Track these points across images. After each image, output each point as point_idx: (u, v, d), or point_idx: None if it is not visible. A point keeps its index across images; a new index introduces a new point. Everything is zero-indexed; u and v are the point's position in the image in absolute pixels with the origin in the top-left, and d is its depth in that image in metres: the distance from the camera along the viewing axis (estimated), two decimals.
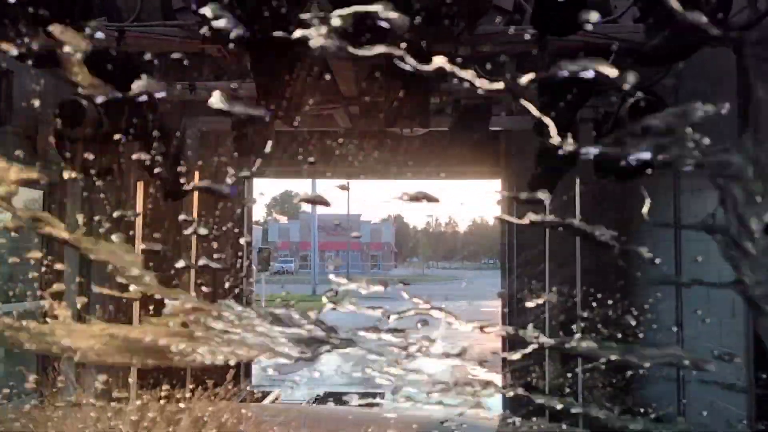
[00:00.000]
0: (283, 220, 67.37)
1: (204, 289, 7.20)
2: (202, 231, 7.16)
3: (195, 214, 6.21)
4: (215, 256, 7.34)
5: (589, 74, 4.54)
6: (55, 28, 1.77)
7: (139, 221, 4.99)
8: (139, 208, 5.00)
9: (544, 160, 5.26)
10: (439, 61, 1.88)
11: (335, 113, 5.59)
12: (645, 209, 4.17)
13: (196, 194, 6.19)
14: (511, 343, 7.53)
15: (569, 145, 4.91)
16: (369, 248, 61.53)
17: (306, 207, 58.26)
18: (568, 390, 6.11)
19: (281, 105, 4.64)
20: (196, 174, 6.18)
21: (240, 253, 7.67)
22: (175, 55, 4.60)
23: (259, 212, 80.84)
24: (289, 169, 7.56)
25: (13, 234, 4.45)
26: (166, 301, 1.98)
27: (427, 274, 54.77)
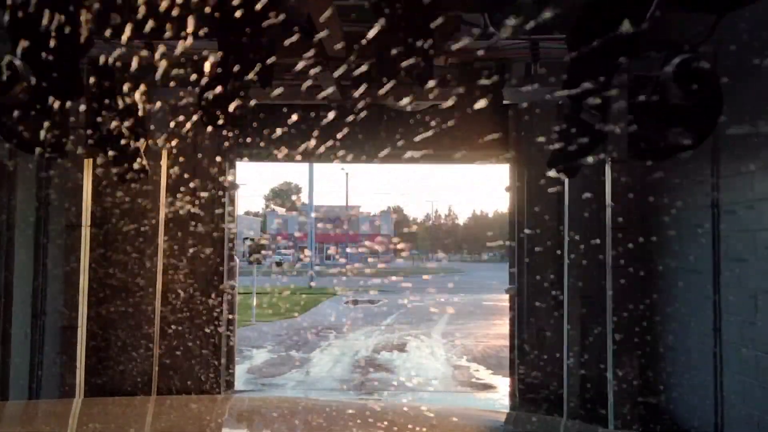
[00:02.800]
0: (282, 211, 66.88)
1: (180, 281, 6.47)
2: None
3: (162, 200, 5.44)
4: (192, 248, 6.60)
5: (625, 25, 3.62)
6: None
7: (86, 205, 4.23)
8: (87, 190, 4.24)
9: (566, 136, 4.48)
10: None
11: (322, 82, 4.81)
12: None
13: (164, 175, 5.43)
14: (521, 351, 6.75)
15: (596, 119, 4.10)
16: (368, 240, 60.89)
17: (305, 198, 57.66)
18: None
19: (253, 67, 3.86)
20: (164, 153, 5.41)
21: (222, 245, 6.90)
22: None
23: (258, 204, 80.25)
24: (272, 150, 6.76)
25: None
26: None
27: (426, 266, 54.12)
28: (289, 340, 12.21)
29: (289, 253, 55.68)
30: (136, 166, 4.35)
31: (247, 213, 69.99)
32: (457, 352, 11.08)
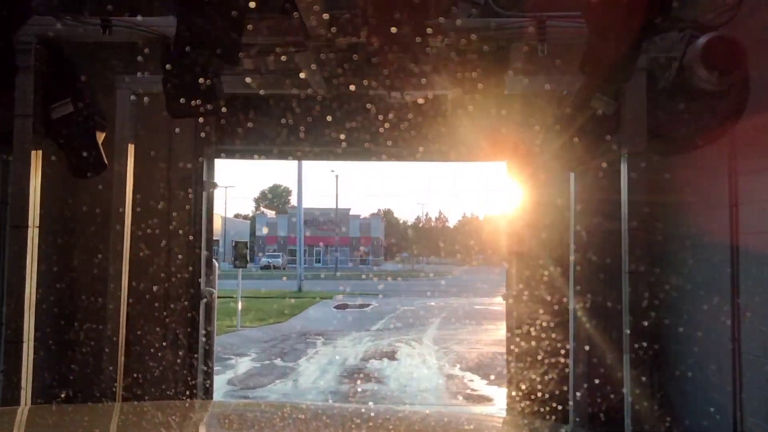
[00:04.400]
0: (271, 214, 66.45)
1: (151, 288, 5.95)
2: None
3: (128, 199, 4.93)
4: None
5: None
6: None
7: (33, 204, 3.73)
8: (35, 187, 3.74)
9: (570, 124, 4.03)
10: None
11: (305, 69, 4.33)
12: None
13: (130, 172, 4.91)
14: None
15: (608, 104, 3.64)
16: (358, 243, 60.51)
17: (294, 200, 57.15)
18: None
19: (222, 45, 3.39)
20: (130, 148, 4.90)
21: (199, 248, 6.39)
22: None
23: (248, 206, 79.75)
24: (253, 147, 6.27)
25: None
26: None
27: (417, 269, 53.70)
28: (275, 347, 11.70)
29: (278, 256, 55.14)
30: (92, 159, 3.86)
31: (237, 216, 69.52)
32: (449, 360, 10.61)
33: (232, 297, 15.81)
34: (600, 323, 4.94)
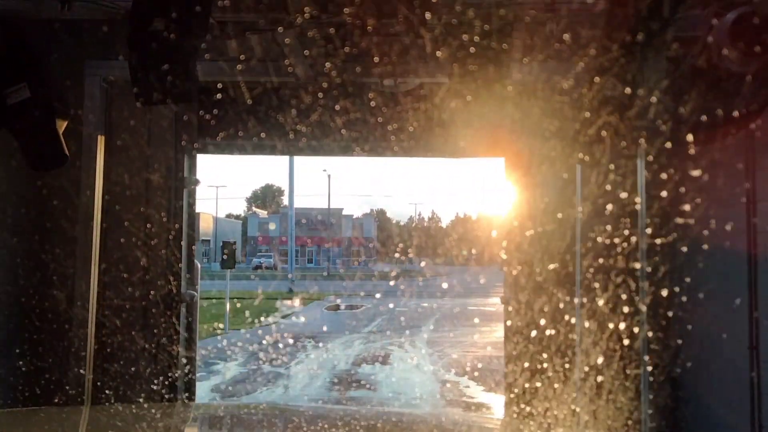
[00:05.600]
0: (263, 214, 66.02)
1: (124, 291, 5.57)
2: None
3: (98, 195, 4.55)
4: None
5: None
6: None
7: None
8: None
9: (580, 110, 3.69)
10: None
11: (288, 52, 3.96)
12: None
13: (99, 167, 4.53)
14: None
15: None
16: (351, 243, 60.16)
17: (286, 200, 56.72)
18: None
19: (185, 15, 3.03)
20: (100, 140, 4.52)
21: (178, 248, 6.00)
22: None
23: (240, 206, 79.33)
24: (238, 141, 5.88)
25: None
26: None
27: (410, 269, 53.35)
28: (263, 351, 11.32)
29: (270, 256, 54.66)
30: (51, 151, 3.48)
31: (229, 216, 68.97)
32: (444, 364, 10.26)
33: (221, 298, 15.41)
34: (607, 328, 4.59)
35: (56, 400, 4.89)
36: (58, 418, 2.07)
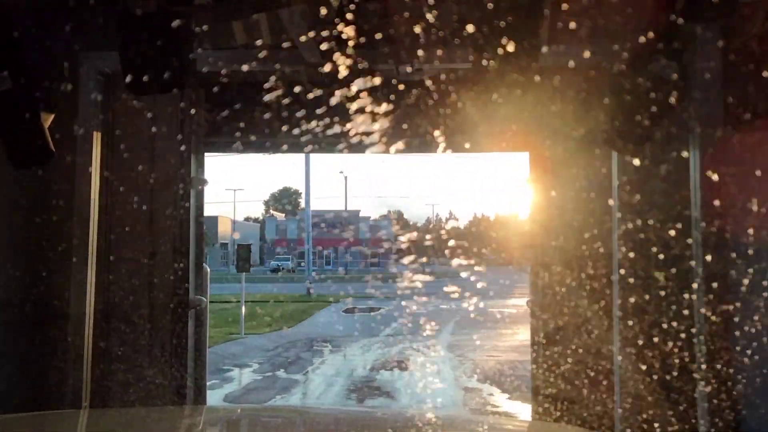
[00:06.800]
0: (281, 216, 66.15)
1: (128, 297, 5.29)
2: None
3: (95, 196, 4.26)
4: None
5: None
6: None
7: None
8: None
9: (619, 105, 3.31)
10: None
11: (295, 37, 3.64)
12: None
13: (96, 163, 4.24)
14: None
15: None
16: (369, 245, 59.94)
17: (303, 203, 56.71)
18: None
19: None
20: (96, 137, 4.22)
21: (186, 252, 5.71)
22: None
23: (258, 209, 79.61)
24: (247, 139, 5.57)
25: None
26: None
27: (428, 271, 52.96)
28: (279, 356, 11.03)
29: (288, 258, 54.62)
30: (35, 146, 3.18)
31: (247, 219, 69.22)
32: (465, 369, 9.88)
33: (237, 302, 15.18)
34: (649, 332, 4.19)
35: (55, 406, 4.65)
36: (57, 422, 2.04)
